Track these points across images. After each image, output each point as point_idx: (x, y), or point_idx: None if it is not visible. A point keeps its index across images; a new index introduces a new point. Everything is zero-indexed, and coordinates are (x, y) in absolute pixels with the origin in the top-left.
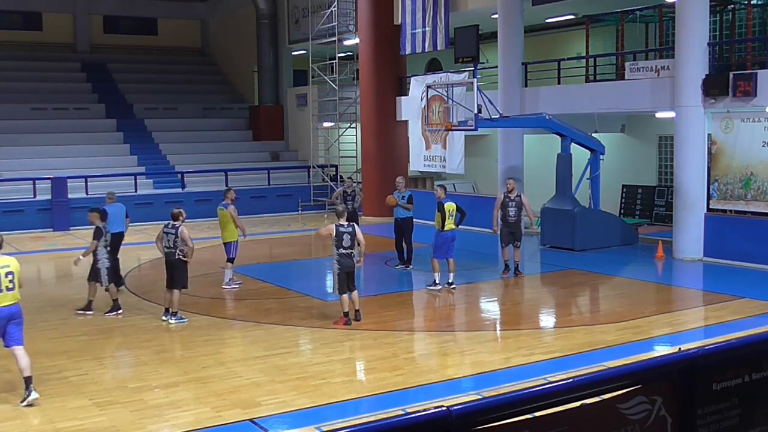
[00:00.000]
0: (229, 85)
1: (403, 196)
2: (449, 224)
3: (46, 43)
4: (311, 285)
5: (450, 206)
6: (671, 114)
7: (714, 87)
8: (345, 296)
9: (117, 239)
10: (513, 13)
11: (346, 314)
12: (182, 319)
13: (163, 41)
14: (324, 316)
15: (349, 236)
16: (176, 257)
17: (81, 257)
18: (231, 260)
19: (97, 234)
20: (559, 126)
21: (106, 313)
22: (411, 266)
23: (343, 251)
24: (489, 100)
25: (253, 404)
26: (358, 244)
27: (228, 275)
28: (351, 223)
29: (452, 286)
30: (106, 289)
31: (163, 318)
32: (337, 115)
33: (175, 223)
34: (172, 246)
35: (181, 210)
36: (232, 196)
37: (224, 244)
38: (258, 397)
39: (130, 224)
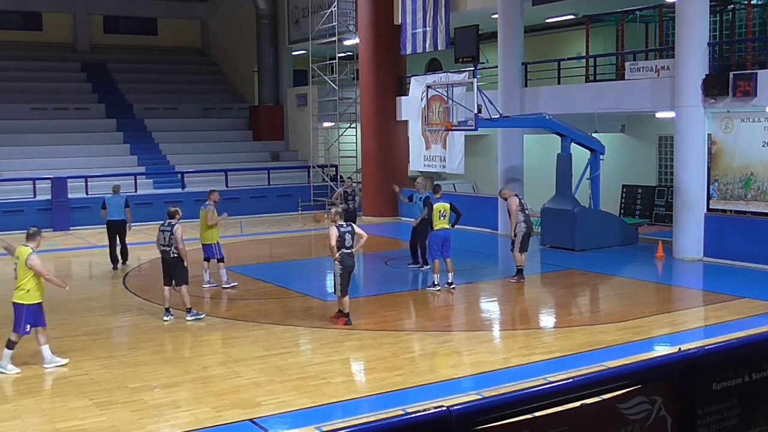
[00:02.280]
0: (229, 85)
1: (420, 197)
2: (441, 224)
3: (46, 43)
4: (311, 285)
5: (443, 206)
6: (671, 114)
7: (714, 87)
8: (347, 298)
9: (116, 225)
10: (513, 13)
11: (347, 315)
12: (199, 315)
13: (163, 41)
14: (324, 316)
15: (350, 236)
16: (172, 255)
17: None
18: (221, 260)
19: None
20: (559, 126)
21: None
22: (427, 266)
23: (345, 251)
24: (489, 100)
25: (253, 404)
26: (360, 239)
27: (224, 275)
28: (349, 222)
29: (452, 286)
30: None
31: (165, 319)
32: (337, 115)
33: (171, 221)
34: (167, 244)
35: (177, 208)
36: (215, 197)
37: (206, 245)
38: (258, 397)
39: (131, 213)
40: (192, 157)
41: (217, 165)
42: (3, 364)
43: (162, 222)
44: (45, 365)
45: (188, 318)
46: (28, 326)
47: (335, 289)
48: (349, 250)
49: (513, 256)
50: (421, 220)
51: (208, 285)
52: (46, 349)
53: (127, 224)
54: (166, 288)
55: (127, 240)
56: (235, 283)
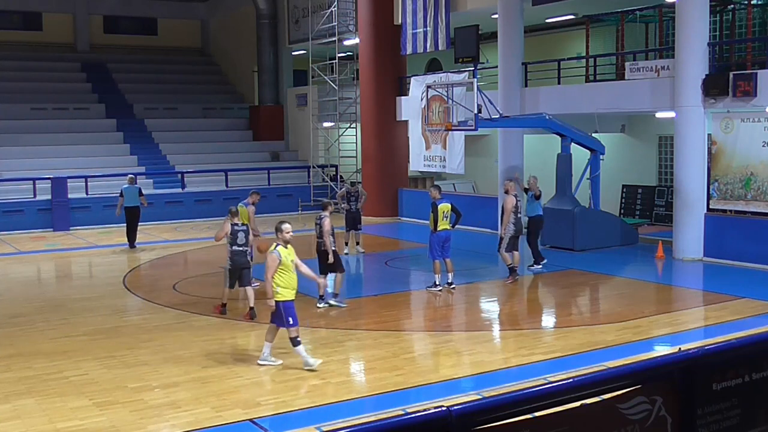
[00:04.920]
0: (229, 85)
1: (530, 194)
2: (443, 225)
3: (46, 43)
4: (311, 285)
5: (445, 207)
6: (671, 114)
7: (714, 87)
8: (227, 290)
9: (132, 211)
10: (513, 13)
11: (224, 305)
12: (341, 303)
13: (163, 41)
14: (324, 316)
15: (243, 234)
16: (322, 248)
17: None
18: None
19: None
20: (559, 126)
21: None
22: (539, 265)
23: (237, 248)
24: (489, 100)
25: (253, 404)
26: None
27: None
28: (244, 223)
29: (452, 286)
30: None
31: (318, 305)
32: (337, 115)
33: (323, 213)
34: (318, 236)
35: (330, 201)
36: (256, 199)
37: None
38: (258, 397)
39: (146, 201)
40: (192, 157)
41: (217, 165)
42: (305, 359)
43: (318, 214)
44: (259, 361)
45: (331, 301)
46: (290, 318)
47: (225, 282)
48: (241, 248)
49: (501, 257)
50: (537, 217)
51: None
52: (267, 346)
53: (140, 209)
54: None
55: (126, 240)
56: (257, 284)
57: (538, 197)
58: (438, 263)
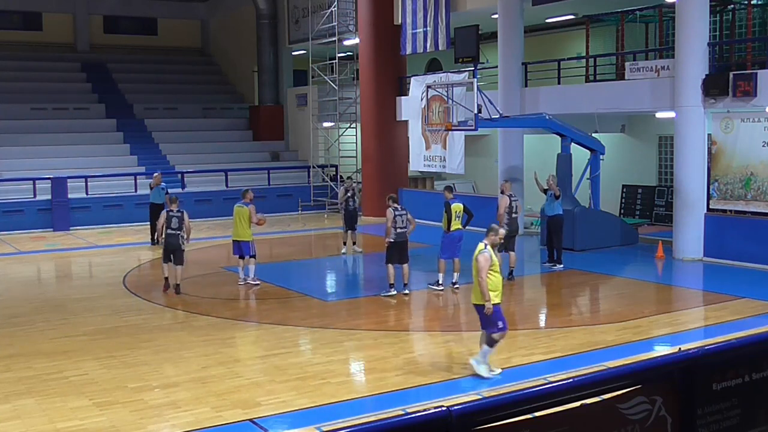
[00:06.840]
0: (229, 85)
1: (551, 194)
2: (456, 225)
3: (46, 43)
4: (311, 285)
5: (457, 207)
6: (671, 114)
7: (714, 87)
8: (165, 265)
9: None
10: (513, 13)
11: (167, 279)
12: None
13: (163, 41)
14: (324, 316)
15: (176, 219)
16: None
17: None
18: (253, 257)
19: None
20: (559, 126)
21: None
22: (561, 265)
23: (170, 231)
24: (489, 100)
25: (253, 404)
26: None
27: (252, 271)
28: (180, 210)
29: (456, 286)
30: None
31: (390, 293)
32: (337, 115)
33: (397, 204)
34: (404, 226)
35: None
36: (251, 196)
37: (242, 242)
38: (258, 397)
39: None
40: (192, 157)
41: (217, 165)
42: (483, 364)
43: (395, 207)
44: (480, 371)
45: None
46: (500, 322)
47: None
48: (174, 231)
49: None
50: (557, 216)
51: (243, 282)
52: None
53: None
54: (390, 266)
55: (126, 240)
56: (258, 283)
57: (558, 197)
58: (444, 262)
